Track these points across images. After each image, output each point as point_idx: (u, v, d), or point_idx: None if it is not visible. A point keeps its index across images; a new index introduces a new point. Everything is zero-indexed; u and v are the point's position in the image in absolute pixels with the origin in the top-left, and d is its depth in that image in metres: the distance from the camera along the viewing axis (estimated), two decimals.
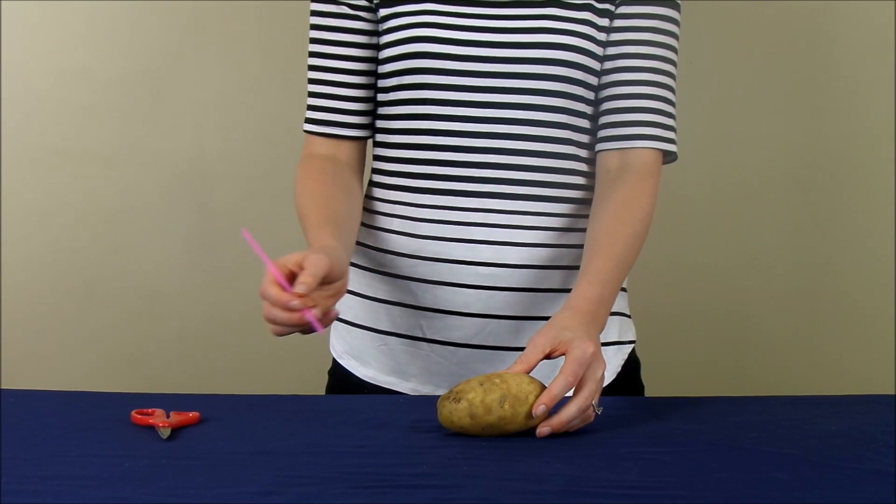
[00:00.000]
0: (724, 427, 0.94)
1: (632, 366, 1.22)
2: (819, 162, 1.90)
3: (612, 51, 1.14)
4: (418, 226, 1.15)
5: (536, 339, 0.96)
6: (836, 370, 1.90)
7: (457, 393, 0.89)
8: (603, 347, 1.15)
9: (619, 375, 1.19)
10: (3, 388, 1.10)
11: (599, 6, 1.13)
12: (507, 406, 0.87)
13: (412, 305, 1.16)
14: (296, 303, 0.92)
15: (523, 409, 0.88)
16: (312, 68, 1.19)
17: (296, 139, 1.90)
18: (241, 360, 1.92)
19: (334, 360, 1.25)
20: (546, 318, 1.04)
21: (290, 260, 0.97)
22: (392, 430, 0.91)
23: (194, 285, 1.91)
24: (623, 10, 1.13)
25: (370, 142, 1.23)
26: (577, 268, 1.11)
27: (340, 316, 1.23)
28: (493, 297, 1.13)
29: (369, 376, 1.20)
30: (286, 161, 1.90)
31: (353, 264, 1.23)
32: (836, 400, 1.08)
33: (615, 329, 1.20)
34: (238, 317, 1.92)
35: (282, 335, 0.96)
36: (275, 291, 0.93)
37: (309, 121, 1.21)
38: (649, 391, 1.25)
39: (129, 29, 1.88)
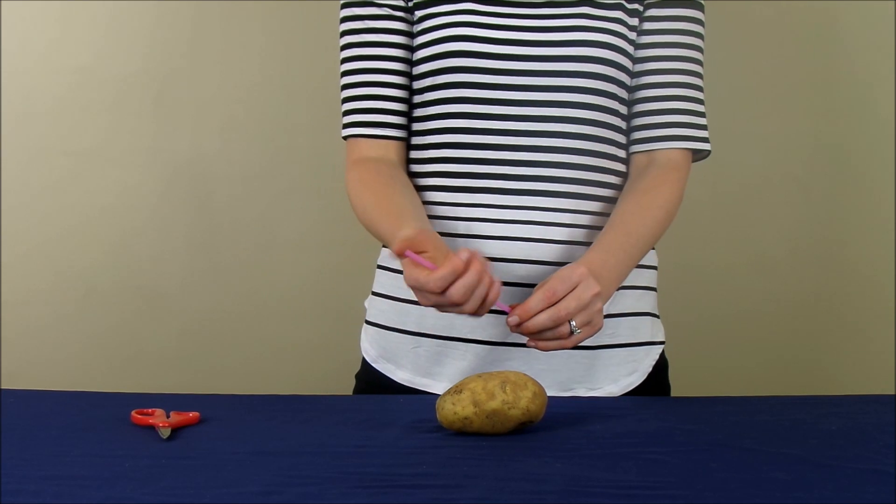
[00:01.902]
0: (724, 427, 0.94)
1: (661, 367, 1.23)
2: (820, 162, 1.90)
3: (640, 53, 1.17)
4: (453, 224, 1.15)
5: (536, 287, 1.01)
6: (836, 370, 1.90)
7: (457, 387, 0.90)
8: (635, 348, 1.18)
9: (650, 376, 1.20)
10: (3, 388, 1.10)
11: (630, 6, 1.15)
12: (508, 390, 0.89)
13: None
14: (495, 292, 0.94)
15: (524, 395, 0.89)
16: (354, 72, 1.18)
17: (294, 139, 1.91)
18: (241, 360, 1.92)
19: (365, 365, 1.24)
20: None
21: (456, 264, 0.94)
22: (392, 430, 0.91)
23: (194, 285, 1.92)
24: (651, 12, 1.16)
25: None
26: None
27: (372, 319, 1.24)
28: (529, 294, 1.13)
29: (405, 379, 1.19)
30: (285, 161, 1.91)
31: (383, 266, 1.23)
32: (836, 400, 1.08)
33: (647, 329, 1.21)
34: (238, 317, 1.92)
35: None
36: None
37: (355, 124, 1.19)
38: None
39: (129, 29, 1.88)
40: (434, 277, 0.92)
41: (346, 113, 1.19)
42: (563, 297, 0.98)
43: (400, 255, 0.93)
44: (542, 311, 0.97)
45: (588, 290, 0.99)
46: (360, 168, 1.17)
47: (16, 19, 1.86)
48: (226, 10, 1.88)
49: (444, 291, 0.93)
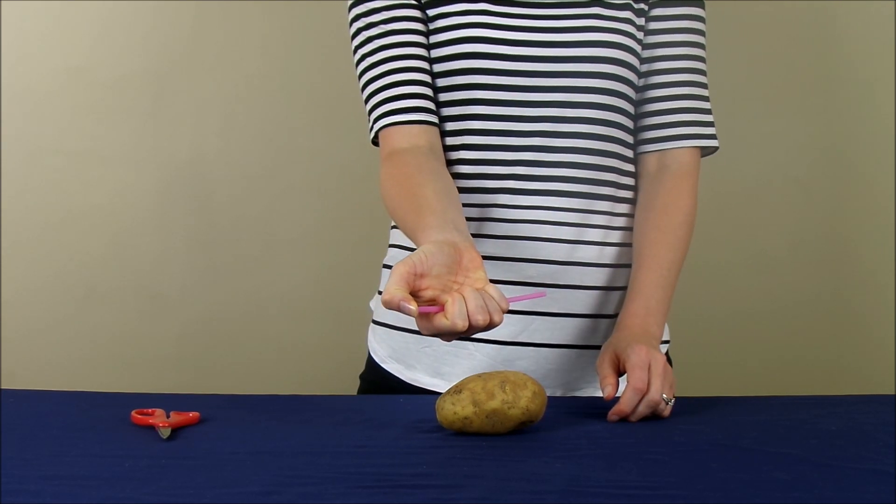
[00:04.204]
0: (724, 427, 0.94)
1: None
2: (820, 162, 1.90)
3: (647, 53, 1.17)
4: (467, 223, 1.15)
5: (599, 363, 1.04)
6: (836, 370, 1.90)
7: (456, 387, 0.90)
8: None
9: None
10: (3, 388, 1.10)
11: (637, 6, 1.16)
12: (508, 389, 0.89)
13: None
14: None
15: (524, 394, 0.89)
16: (378, 63, 1.14)
17: (295, 139, 1.91)
18: (241, 360, 1.92)
19: (372, 365, 1.24)
20: (589, 315, 1.15)
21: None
22: (392, 430, 0.91)
23: (194, 285, 1.92)
24: (655, 11, 1.17)
25: None
26: (617, 266, 1.17)
27: (380, 319, 1.23)
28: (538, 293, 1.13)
29: (414, 379, 1.19)
30: (286, 161, 1.91)
31: (389, 266, 1.23)
32: (836, 400, 1.08)
33: None
34: (238, 317, 1.92)
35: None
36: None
37: (386, 114, 1.13)
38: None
39: (129, 29, 1.88)
40: (454, 319, 0.85)
41: (375, 107, 1.14)
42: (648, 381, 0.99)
43: (396, 310, 0.85)
44: (638, 403, 0.97)
45: (659, 362, 1.00)
46: (389, 164, 1.12)
47: (15, 18, 1.86)
48: (226, 9, 1.88)
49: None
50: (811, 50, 1.88)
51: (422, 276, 0.87)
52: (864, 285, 1.91)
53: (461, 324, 0.85)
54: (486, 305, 0.87)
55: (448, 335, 0.88)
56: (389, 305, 0.84)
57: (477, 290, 0.88)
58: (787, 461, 0.81)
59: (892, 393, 1.13)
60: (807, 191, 1.90)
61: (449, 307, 0.86)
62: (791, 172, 1.90)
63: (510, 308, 0.90)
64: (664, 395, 0.98)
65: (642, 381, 0.97)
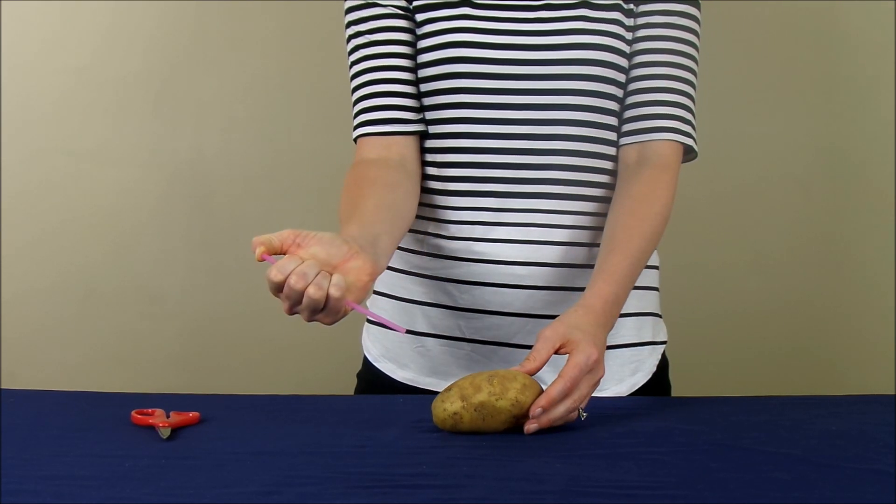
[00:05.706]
0: (724, 427, 0.94)
1: (663, 366, 1.23)
2: (820, 162, 1.90)
3: (632, 48, 1.16)
4: (456, 228, 1.15)
5: (546, 333, 0.96)
6: (836, 370, 1.90)
7: (447, 388, 0.91)
8: (639, 348, 1.19)
9: (653, 376, 1.20)
10: (3, 388, 1.10)
11: (626, 6, 1.14)
12: (495, 382, 0.89)
13: (449, 306, 1.16)
14: (260, 250, 0.92)
15: (513, 386, 0.89)
16: (361, 73, 1.16)
17: (295, 139, 1.91)
18: (241, 360, 1.92)
19: (366, 364, 1.25)
20: None
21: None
22: (392, 430, 0.91)
23: (194, 285, 1.92)
24: (643, 8, 1.15)
25: None
26: None
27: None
28: (533, 296, 1.13)
29: (408, 378, 1.20)
30: (286, 161, 1.91)
31: (388, 267, 1.23)
32: (836, 400, 1.08)
33: (649, 329, 1.21)
34: (238, 317, 1.92)
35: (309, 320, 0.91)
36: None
37: (362, 124, 1.16)
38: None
39: (129, 29, 1.88)
40: (273, 269, 0.88)
41: (356, 115, 1.17)
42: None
43: (253, 248, 0.92)
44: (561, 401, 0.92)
45: (598, 374, 0.95)
46: (352, 172, 1.15)
47: (16, 19, 1.86)
48: (226, 10, 1.88)
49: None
50: (811, 49, 1.88)
51: (299, 246, 0.91)
52: (864, 285, 1.91)
53: (275, 274, 0.88)
54: (319, 281, 0.86)
55: (273, 289, 0.89)
56: (253, 244, 0.92)
57: (326, 271, 0.88)
58: (787, 461, 0.81)
59: (892, 393, 1.13)
60: (806, 190, 1.90)
61: (280, 261, 0.89)
62: (790, 172, 1.90)
63: (364, 313, 0.91)
64: (580, 406, 0.94)
65: (574, 381, 0.92)
